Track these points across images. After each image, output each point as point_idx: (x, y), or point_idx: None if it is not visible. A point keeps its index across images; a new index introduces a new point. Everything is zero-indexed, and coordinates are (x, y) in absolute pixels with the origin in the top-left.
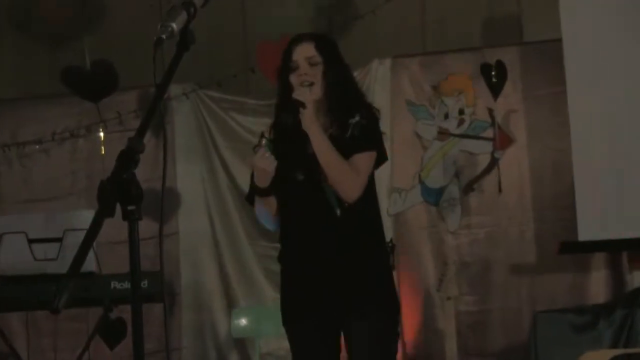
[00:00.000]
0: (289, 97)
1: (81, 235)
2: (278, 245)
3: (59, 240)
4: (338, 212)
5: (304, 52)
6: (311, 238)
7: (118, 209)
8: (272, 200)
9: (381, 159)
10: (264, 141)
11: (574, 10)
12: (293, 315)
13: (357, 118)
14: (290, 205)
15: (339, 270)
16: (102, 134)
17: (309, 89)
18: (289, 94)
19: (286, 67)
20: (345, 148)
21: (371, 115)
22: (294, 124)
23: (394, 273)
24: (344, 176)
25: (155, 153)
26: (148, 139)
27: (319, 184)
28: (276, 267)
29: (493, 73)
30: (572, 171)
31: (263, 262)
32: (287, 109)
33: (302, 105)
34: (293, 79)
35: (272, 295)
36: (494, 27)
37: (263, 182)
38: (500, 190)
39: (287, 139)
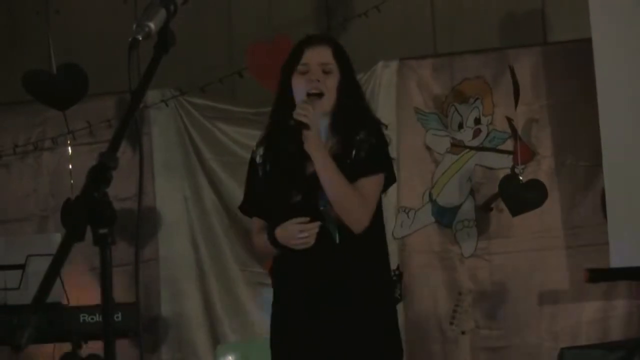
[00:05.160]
0: (289, 102)
1: (46, 262)
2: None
3: (21, 267)
4: (337, 239)
5: (319, 57)
6: (305, 270)
7: (88, 232)
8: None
9: (389, 181)
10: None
11: (605, 5)
12: None
13: (362, 135)
14: None
15: (333, 316)
16: (69, 147)
17: (311, 105)
18: (289, 98)
19: (292, 68)
20: (350, 170)
21: (379, 133)
22: (295, 147)
23: (400, 304)
24: (351, 205)
25: (131, 168)
26: (122, 152)
27: (317, 207)
28: (271, 296)
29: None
30: (603, 189)
31: (255, 291)
32: (286, 132)
33: (305, 126)
34: (299, 82)
35: (265, 329)
36: (513, 26)
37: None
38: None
39: (283, 155)
